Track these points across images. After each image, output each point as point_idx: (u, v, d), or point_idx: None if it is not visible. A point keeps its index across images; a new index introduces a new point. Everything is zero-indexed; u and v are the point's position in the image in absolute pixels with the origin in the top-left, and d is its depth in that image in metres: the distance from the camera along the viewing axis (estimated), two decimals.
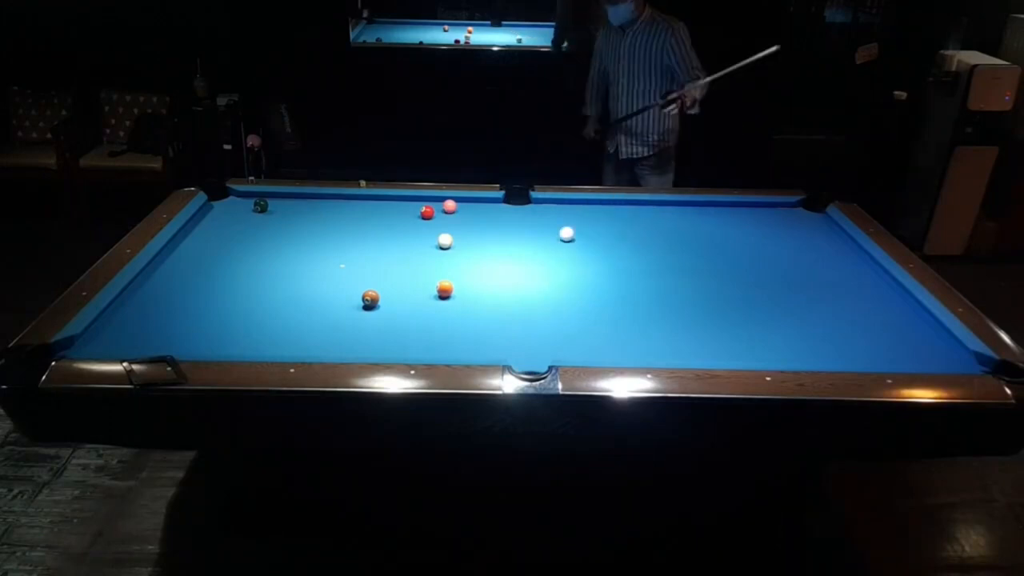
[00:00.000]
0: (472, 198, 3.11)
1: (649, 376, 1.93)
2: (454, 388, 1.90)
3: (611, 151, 4.10)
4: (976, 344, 2.10)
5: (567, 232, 2.84)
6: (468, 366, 1.94)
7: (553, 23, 5.69)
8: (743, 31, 3.87)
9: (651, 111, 3.86)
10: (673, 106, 3.72)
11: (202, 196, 2.97)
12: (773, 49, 3.56)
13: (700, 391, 1.91)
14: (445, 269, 2.54)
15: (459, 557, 2.62)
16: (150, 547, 2.63)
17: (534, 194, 3.14)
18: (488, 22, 6.06)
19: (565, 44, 5.37)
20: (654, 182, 4.02)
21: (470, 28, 5.83)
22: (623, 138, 4.00)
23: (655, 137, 3.95)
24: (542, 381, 1.90)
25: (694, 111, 3.80)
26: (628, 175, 4.12)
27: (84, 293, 2.21)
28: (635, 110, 3.89)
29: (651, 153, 3.98)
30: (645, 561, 2.63)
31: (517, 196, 3.13)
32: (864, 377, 1.95)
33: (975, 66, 4.51)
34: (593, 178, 4.17)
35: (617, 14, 3.76)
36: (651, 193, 3.31)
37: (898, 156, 5.11)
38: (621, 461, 2.38)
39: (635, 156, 4.01)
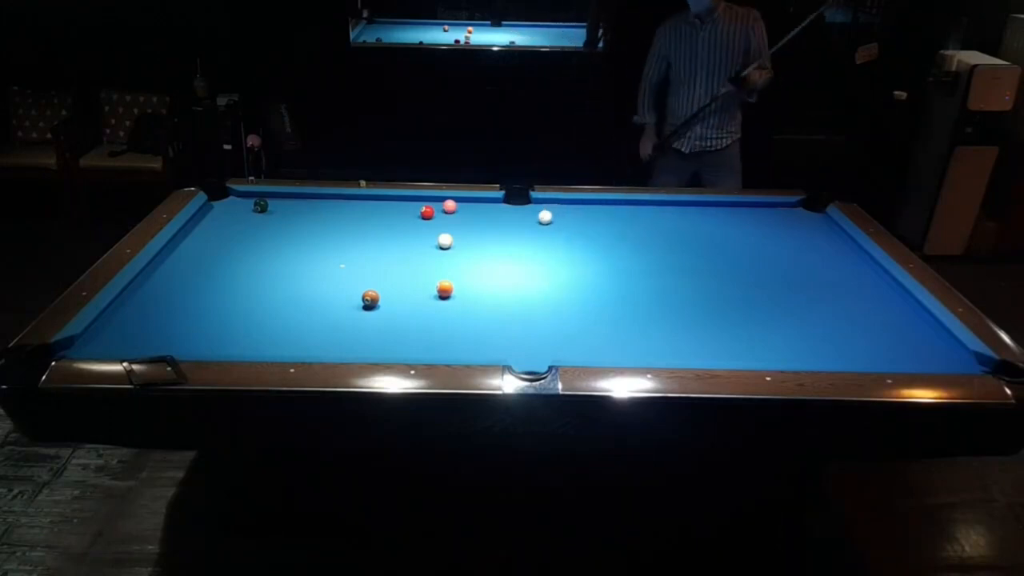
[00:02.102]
0: (472, 198, 3.10)
1: (649, 376, 1.93)
2: (454, 388, 1.89)
3: (679, 148, 3.94)
4: (976, 344, 2.10)
5: (545, 216, 2.94)
6: (468, 366, 1.94)
7: (549, 23, 5.73)
8: None
9: (728, 100, 3.78)
10: (734, 87, 3.69)
11: (202, 196, 2.97)
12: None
13: (700, 391, 1.91)
14: (445, 269, 2.54)
15: (459, 557, 2.62)
16: (150, 547, 2.63)
17: (534, 194, 3.14)
18: (488, 22, 6.06)
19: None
20: (724, 179, 3.90)
21: (470, 28, 5.83)
22: (699, 130, 3.86)
23: (733, 126, 3.89)
24: (542, 381, 1.90)
25: (752, 100, 3.79)
26: (689, 173, 3.99)
27: (84, 293, 2.21)
28: (709, 102, 3.78)
29: (726, 145, 3.90)
30: (645, 561, 2.63)
31: (517, 196, 3.13)
32: (864, 377, 1.95)
33: (975, 66, 4.51)
34: (593, 178, 4.17)
35: (697, 1, 3.67)
36: (651, 193, 3.31)
37: (898, 156, 5.12)
38: (621, 461, 2.38)
39: (710, 148, 3.89)
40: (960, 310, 2.26)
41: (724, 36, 3.71)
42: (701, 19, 3.72)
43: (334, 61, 5.21)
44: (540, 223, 2.94)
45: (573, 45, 5.50)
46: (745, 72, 3.69)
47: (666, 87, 3.99)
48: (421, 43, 5.45)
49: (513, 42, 5.48)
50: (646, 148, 4.05)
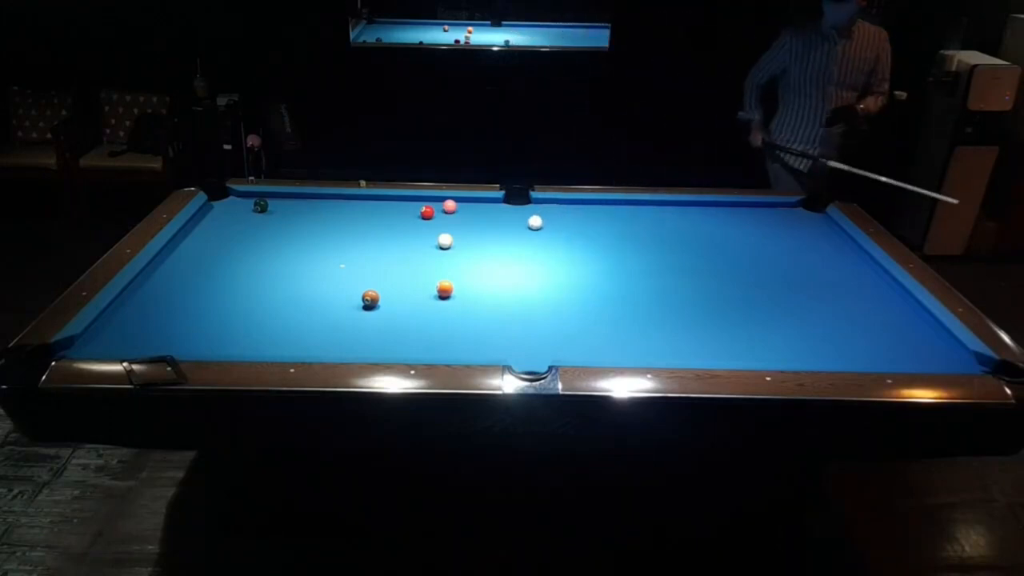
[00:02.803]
0: (472, 198, 3.11)
1: (649, 376, 1.93)
2: (454, 388, 1.90)
3: (817, 163, 3.86)
4: (976, 344, 2.10)
5: (535, 221, 2.88)
6: (468, 366, 1.94)
7: (549, 23, 5.73)
8: (745, 29, 3.87)
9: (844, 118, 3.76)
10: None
11: (202, 196, 2.97)
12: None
13: (700, 391, 1.91)
14: (445, 269, 2.54)
15: (459, 557, 2.62)
16: (150, 547, 2.63)
17: (534, 194, 3.14)
18: (488, 22, 6.06)
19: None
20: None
21: (470, 28, 5.83)
22: (820, 151, 3.83)
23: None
24: (542, 381, 1.90)
25: (864, 127, 3.80)
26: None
27: (84, 293, 2.21)
28: (833, 124, 3.74)
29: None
30: (645, 561, 2.63)
31: (517, 196, 3.13)
32: (864, 377, 1.95)
33: (975, 66, 4.51)
34: (593, 178, 4.16)
35: (839, 14, 3.56)
36: (651, 193, 3.31)
37: (898, 156, 5.11)
38: (621, 461, 2.38)
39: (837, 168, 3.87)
40: (960, 310, 2.26)
41: (858, 53, 3.65)
42: (839, 32, 3.63)
43: (334, 61, 5.22)
44: (530, 229, 2.88)
45: (574, 45, 5.50)
46: (846, 124, 3.71)
47: (771, 88, 3.94)
48: (421, 43, 5.45)
49: (508, 41, 5.48)
50: (757, 140, 4.02)
